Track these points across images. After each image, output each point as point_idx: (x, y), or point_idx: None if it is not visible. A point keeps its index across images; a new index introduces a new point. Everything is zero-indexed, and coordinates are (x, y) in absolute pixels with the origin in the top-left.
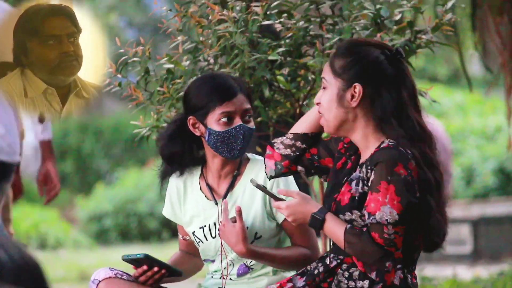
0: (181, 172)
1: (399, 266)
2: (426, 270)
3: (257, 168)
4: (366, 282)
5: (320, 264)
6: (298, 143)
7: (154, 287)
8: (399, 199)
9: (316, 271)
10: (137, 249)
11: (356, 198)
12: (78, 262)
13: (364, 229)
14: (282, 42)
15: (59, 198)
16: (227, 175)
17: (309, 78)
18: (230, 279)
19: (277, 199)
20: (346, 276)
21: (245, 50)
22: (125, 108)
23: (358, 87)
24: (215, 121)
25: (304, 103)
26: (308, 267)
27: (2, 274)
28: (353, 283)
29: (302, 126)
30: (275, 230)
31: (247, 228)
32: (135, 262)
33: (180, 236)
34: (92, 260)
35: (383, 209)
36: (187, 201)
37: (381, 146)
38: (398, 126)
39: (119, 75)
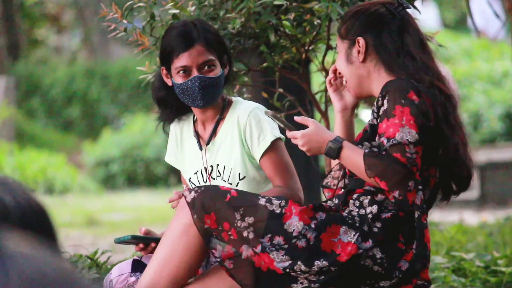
0: (175, 118)
1: (420, 187)
2: (432, 215)
3: (237, 111)
4: (375, 207)
5: (333, 200)
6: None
7: None
8: (414, 118)
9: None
10: (144, 195)
11: (367, 130)
12: (85, 207)
13: (383, 152)
14: None
15: (66, 143)
16: (211, 120)
17: (315, 23)
18: None
19: (292, 129)
20: (357, 205)
21: None
22: (131, 53)
23: (361, 41)
24: (175, 73)
25: (310, 48)
26: (324, 204)
27: (8, 218)
28: (363, 210)
29: None
30: (257, 169)
31: (230, 170)
32: (130, 243)
33: (184, 186)
34: (99, 205)
35: (402, 130)
36: (184, 147)
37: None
38: (407, 66)
39: (124, 21)
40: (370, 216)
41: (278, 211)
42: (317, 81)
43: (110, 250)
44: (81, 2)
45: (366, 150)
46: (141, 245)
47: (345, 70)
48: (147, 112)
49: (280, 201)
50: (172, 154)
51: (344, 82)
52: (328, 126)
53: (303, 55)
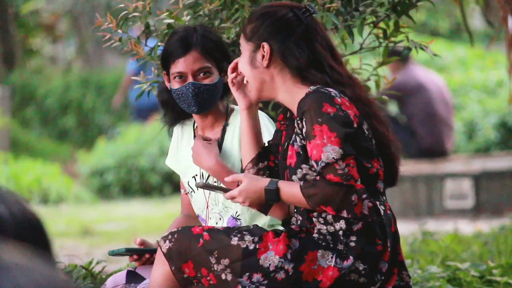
0: (178, 121)
1: (364, 196)
2: (427, 224)
3: (239, 116)
4: (343, 223)
5: (296, 217)
6: (260, 165)
7: None
8: (334, 134)
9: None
10: (139, 204)
11: (300, 152)
12: (80, 217)
13: (318, 177)
14: None
15: (61, 152)
16: (211, 127)
17: None
18: None
19: (227, 190)
20: (322, 222)
21: (246, 4)
22: (126, 63)
23: (266, 46)
24: (172, 79)
25: None
26: (294, 227)
27: (3, 229)
28: (332, 227)
29: (248, 152)
30: None
31: None
32: (124, 255)
33: (182, 191)
34: (94, 214)
35: (325, 149)
36: (183, 150)
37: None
38: (320, 73)
39: (119, 30)
40: (341, 232)
41: (252, 247)
42: None
43: (105, 260)
44: (76, 12)
45: (301, 183)
46: (135, 256)
47: (247, 73)
48: (141, 122)
49: (253, 237)
50: (172, 157)
51: (245, 81)
52: None
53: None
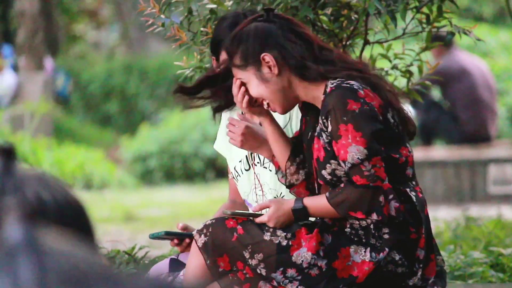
0: (228, 106)
1: (391, 196)
2: (470, 210)
3: None
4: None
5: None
6: (297, 160)
7: None
8: (360, 134)
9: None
10: (182, 190)
11: (327, 148)
12: (123, 202)
13: (342, 185)
14: None
15: (104, 138)
16: None
17: (353, 18)
18: None
19: (257, 216)
20: (354, 217)
21: None
22: (169, 48)
23: (266, 57)
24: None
25: (347, 43)
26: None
27: (46, 214)
28: (364, 221)
29: (282, 154)
30: None
31: None
32: (164, 239)
33: (230, 176)
34: (137, 200)
35: (350, 149)
36: None
37: (327, 92)
38: (321, 63)
39: (162, 16)
40: (372, 226)
41: (284, 243)
42: None
43: (148, 246)
44: None
45: (327, 194)
46: (175, 241)
47: (264, 92)
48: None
49: (286, 233)
50: (221, 141)
51: (265, 106)
52: None
53: (341, 50)
